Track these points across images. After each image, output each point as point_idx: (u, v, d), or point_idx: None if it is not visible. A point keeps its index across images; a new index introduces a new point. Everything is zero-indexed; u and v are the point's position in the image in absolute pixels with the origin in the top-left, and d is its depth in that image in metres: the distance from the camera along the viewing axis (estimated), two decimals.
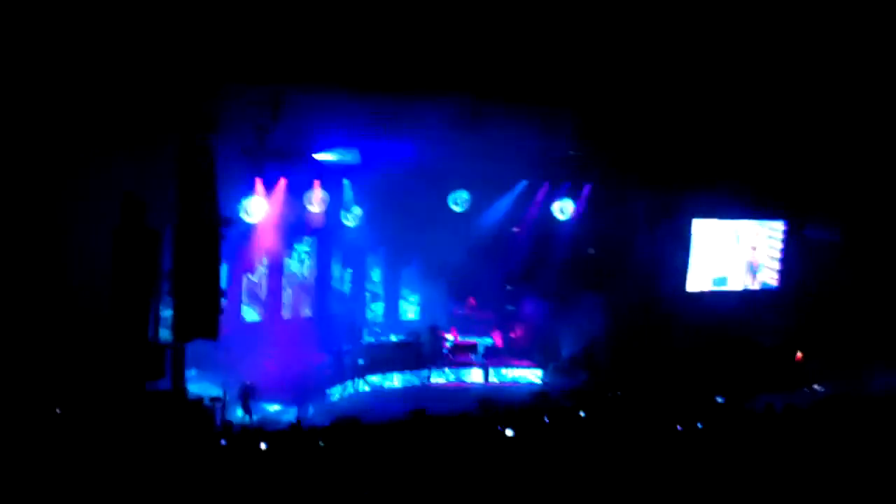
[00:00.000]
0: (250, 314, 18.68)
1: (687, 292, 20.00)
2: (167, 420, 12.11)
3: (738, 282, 20.81)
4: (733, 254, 20.68)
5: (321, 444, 10.89)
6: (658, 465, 10.40)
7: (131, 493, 8.93)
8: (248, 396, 14.78)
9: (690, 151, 18.04)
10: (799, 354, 18.90)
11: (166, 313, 14.65)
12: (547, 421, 12.20)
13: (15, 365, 12.57)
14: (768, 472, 10.22)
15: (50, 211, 13.28)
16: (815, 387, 18.21)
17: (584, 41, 14.86)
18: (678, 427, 11.80)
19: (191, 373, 15.08)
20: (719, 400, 14.56)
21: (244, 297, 18.59)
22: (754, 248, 20.83)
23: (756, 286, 20.96)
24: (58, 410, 11.56)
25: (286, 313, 19.31)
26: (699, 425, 11.87)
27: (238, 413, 14.64)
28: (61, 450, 9.95)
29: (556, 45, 14.89)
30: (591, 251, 20.50)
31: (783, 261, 20.72)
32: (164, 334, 14.69)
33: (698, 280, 20.26)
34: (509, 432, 11.34)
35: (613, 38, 14.92)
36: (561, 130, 18.21)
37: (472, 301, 20.84)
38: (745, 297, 20.62)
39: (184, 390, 14.06)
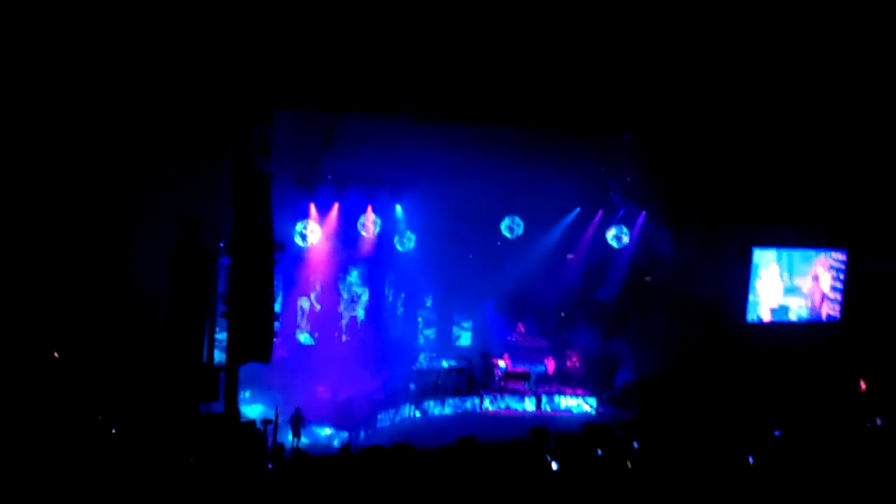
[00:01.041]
0: (304, 338, 18.82)
1: (747, 323, 19.54)
2: (220, 442, 12.20)
3: (799, 312, 20.30)
4: (794, 284, 20.19)
5: (368, 470, 10.84)
6: (709, 499, 10.13)
7: None
8: (298, 422, 14.85)
9: (751, 180, 17.70)
10: (863, 385, 18.29)
11: (221, 336, 14.86)
12: (600, 454, 11.97)
13: (73, 383, 12.82)
14: None
15: (111, 234, 13.59)
16: (878, 420, 17.57)
17: (646, 69, 14.74)
18: (732, 460, 11.48)
19: (245, 395, 15.24)
20: (777, 433, 14.13)
21: (298, 321, 18.75)
22: (816, 279, 20.31)
23: (818, 316, 20.40)
24: (113, 430, 11.73)
25: (339, 337, 19.40)
26: (751, 459, 11.53)
27: (289, 437, 14.71)
28: (115, 470, 10.08)
29: (619, 74, 14.79)
30: (648, 279, 20.20)
31: (844, 292, 20.13)
32: (219, 356, 14.89)
33: (758, 310, 19.79)
34: (554, 465, 11.16)
35: (676, 68, 14.78)
36: (619, 158, 18.10)
37: (521, 328, 20.68)
38: (807, 328, 20.06)
39: (237, 412, 14.17)
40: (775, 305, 20.05)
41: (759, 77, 15.06)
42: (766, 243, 19.63)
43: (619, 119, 16.25)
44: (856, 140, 16.57)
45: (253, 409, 15.29)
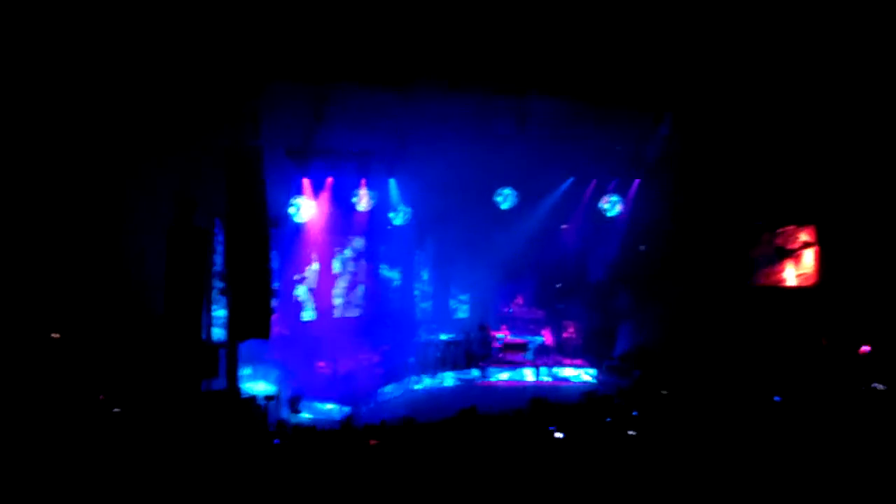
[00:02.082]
0: (303, 313, 18.81)
1: (747, 288, 19.54)
2: (221, 419, 12.22)
3: (795, 279, 20.26)
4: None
5: (372, 442, 10.89)
6: (709, 464, 10.20)
7: (183, 490, 9.02)
8: (296, 401, 14.88)
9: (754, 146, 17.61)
10: (864, 348, 18.34)
11: (219, 313, 14.84)
12: (609, 420, 12.06)
13: (73, 363, 12.80)
14: (823, 471, 9.96)
15: (105, 213, 13.49)
16: (876, 385, 17.67)
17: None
18: (731, 426, 11.56)
19: (246, 371, 15.25)
20: (776, 399, 14.23)
21: (296, 297, 18.73)
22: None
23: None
24: (114, 409, 11.74)
25: (337, 313, 19.41)
26: (753, 422, 11.62)
27: (289, 414, 14.75)
28: (117, 447, 10.10)
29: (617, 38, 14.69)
30: (643, 248, 20.21)
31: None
32: (218, 334, 14.88)
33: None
34: (558, 435, 11.22)
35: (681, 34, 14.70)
36: (614, 126, 17.98)
37: (518, 300, 20.72)
38: (805, 295, 20.08)
39: (237, 389, 14.20)
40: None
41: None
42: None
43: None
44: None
45: (254, 386, 15.30)
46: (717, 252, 19.08)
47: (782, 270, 19.28)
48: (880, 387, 17.35)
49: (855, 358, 17.78)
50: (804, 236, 18.95)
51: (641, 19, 14.21)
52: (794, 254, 19.26)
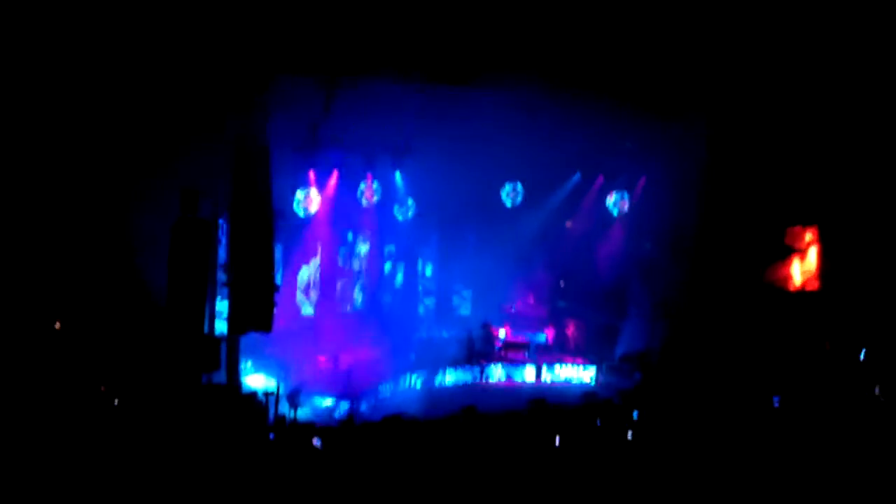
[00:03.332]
0: (305, 308, 18.81)
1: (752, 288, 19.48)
2: (221, 413, 12.24)
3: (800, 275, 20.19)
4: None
5: (370, 440, 10.91)
6: (707, 466, 10.21)
7: (182, 483, 9.05)
8: (295, 396, 14.89)
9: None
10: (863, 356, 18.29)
11: (221, 306, 14.84)
12: (599, 424, 12.06)
13: (75, 353, 12.84)
14: (820, 475, 9.97)
15: (110, 204, 13.50)
16: (876, 390, 17.62)
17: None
18: (731, 428, 11.57)
19: (246, 364, 15.25)
20: (776, 402, 14.21)
21: (299, 291, 18.73)
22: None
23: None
24: (115, 401, 11.77)
25: (340, 307, 19.40)
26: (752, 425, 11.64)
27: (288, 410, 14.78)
28: (115, 438, 10.14)
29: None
30: (648, 245, 20.14)
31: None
32: (220, 327, 14.89)
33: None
34: (554, 436, 11.25)
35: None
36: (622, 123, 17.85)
37: (522, 298, 20.68)
38: (809, 299, 20.01)
39: (238, 383, 14.22)
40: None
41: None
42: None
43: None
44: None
45: (255, 379, 15.31)
46: (724, 252, 19.03)
47: (790, 265, 19.35)
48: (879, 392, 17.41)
49: (857, 363, 17.76)
50: (809, 236, 19.09)
51: (655, 16, 14.22)
52: (800, 251, 19.32)
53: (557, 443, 11.13)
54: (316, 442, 10.76)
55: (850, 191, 17.44)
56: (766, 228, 19.37)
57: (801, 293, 19.80)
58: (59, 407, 10.96)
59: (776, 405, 14.16)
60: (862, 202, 17.43)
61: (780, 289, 19.46)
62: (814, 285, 19.17)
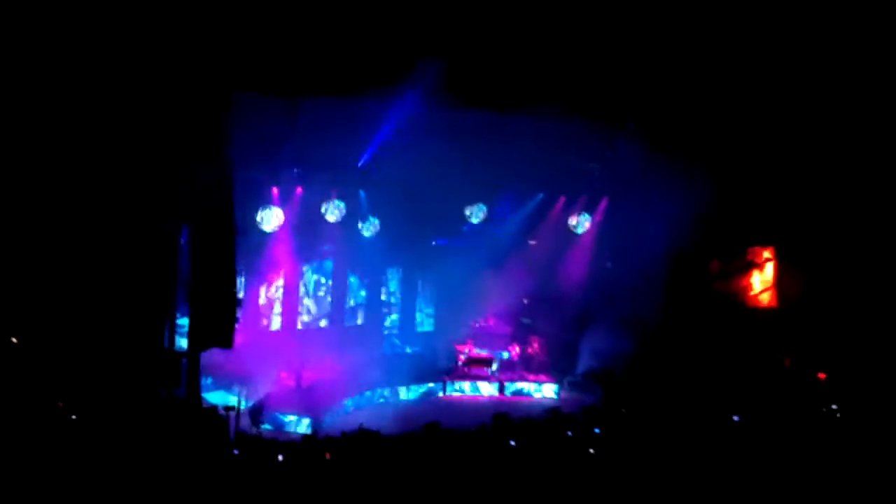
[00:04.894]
0: (267, 323, 18.68)
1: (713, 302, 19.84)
2: (181, 428, 12.09)
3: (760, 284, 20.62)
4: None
5: (333, 455, 10.86)
6: (667, 481, 10.33)
7: (139, 500, 8.94)
8: (258, 412, 14.78)
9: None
10: (822, 374, 18.64)
11: (182, 321, 14.69)
12: (569, 434, 12.17)
13: (31, 368, 12.62)
14: (779, 490, 10.13)
15: (69, 215, 13.31)
16: (833, 406, 17.92)
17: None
18: (691, 444, 11.72)
19: (206, 381, 15.08)
20: (735, 419, 14.39)
21: (261, 307, 18.60)
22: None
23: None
24: (73, 417, 11.57)
25: (302, 324, 19.31)
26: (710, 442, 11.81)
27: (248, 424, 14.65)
28: (72, 454, 9.98)
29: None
30: (609, 265, 20.39)
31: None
32: (181, 342, 14.73)
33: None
34: (516, 451, 11.32)
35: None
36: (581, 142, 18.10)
37: (484, 314, 20.75)
38: (767, 317, 20.37)
39: (199, 398, 14.05)
40: None
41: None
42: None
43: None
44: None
45: (215, 396, 15.14)
46: (686, 271, 19.36)
47: (749, 276, 20.28)
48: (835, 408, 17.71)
49: (815, 380, 18.09)
50: (766, 254, 20.09)
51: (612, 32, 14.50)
52: (758, 266, 20.25)
53: (521, 457, 11.18)
54: (279, 458, 10.70)
55: (808, 214, 17.97)
56: (728, 248, 19.92)
57: (761, 312, 20.23)
58: (14, 422, 10.75)
59: (736, 421, 14.35)
60: (819, 224, 17.94)
61: (740, 305, 19.94)
62: (772, 299, 19.70)
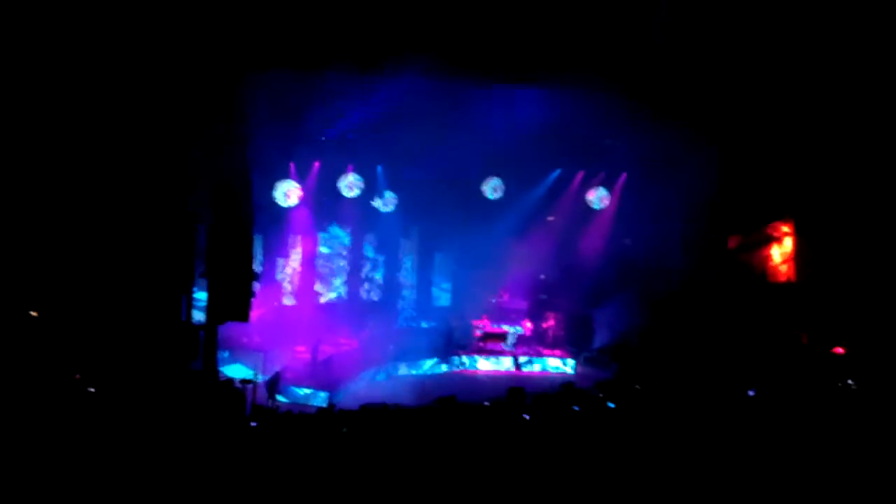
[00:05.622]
0: (285, 298, 18.80)
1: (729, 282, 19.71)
2: (197, 401, 12.21)
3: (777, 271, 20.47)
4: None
5: (348, 429, 10.92)
6: (683, 459, 10.30)
7: (156, 472, 9.03)
8: (274, 384, 14.89)
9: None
10: (839, 349, 18.52)
11: (200, 295, 14.81)
12: (577, 409, 12.14)
13: (50, 342, 12.77)
14: (795, 467, 10.06)
15: (89, 194, 13.41)
16: (850, 382, 17.81)
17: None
18: (705, 418, 11.67)
19: (224, 355, 15.22)
20: (750, 393, 14.34)
21: (278, 281, 18.71)
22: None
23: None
24: (90, 389, 11.71)
25: (319, 298, 19.40)
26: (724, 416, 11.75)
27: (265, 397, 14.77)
28: (89, 426, 10.09)
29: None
30: (628, 241, 20.30)
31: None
32: (198, 316, 14.85)
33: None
34: (531, 424, 11.33)
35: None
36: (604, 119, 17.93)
37: (503, 289, 20.75)
38: (785, 291, 20.23)
39: (215, 371, 14.18)
40: None
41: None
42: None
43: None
44: None
45: (232, 369, 15.29)
46: (704, 245, 19.25)
47: (769, 248, 20.07)
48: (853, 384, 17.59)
49: (832, 356, 17.98)
50: (785, 228, 19.79)
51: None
52: (777, 240, 19.99)
53: (535, 431, 11.19)
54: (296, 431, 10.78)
55: (827, 188, 17.76)
56: (747, 223, 19.77)
57: (779, 287, 20.08)
58: (33, 395, 10.90)
59: (752, 396, 14.31)
60: (838, 199, 17.73)
61: (759, 278, 19.81)
62: (789, 271, 19.59)
